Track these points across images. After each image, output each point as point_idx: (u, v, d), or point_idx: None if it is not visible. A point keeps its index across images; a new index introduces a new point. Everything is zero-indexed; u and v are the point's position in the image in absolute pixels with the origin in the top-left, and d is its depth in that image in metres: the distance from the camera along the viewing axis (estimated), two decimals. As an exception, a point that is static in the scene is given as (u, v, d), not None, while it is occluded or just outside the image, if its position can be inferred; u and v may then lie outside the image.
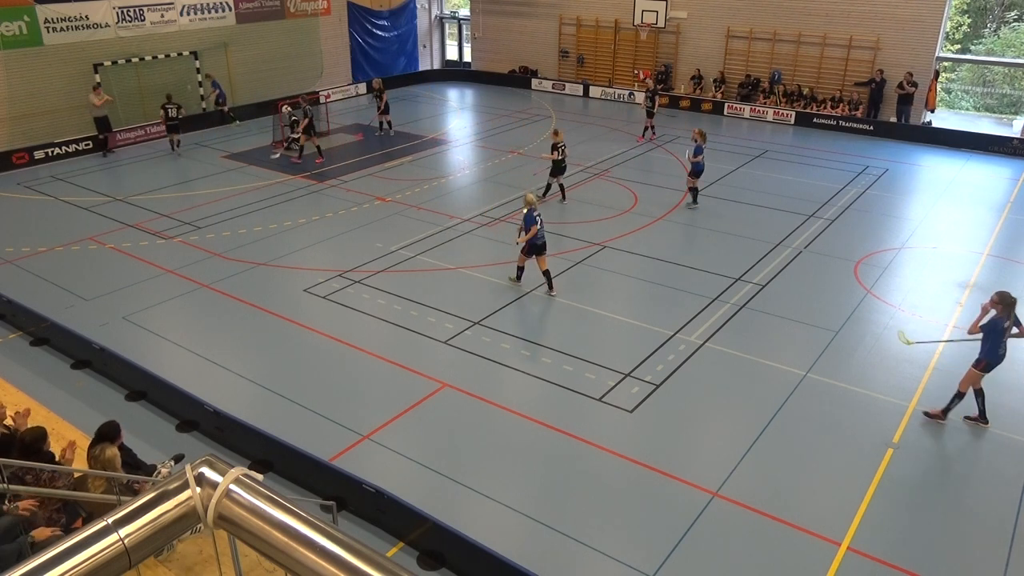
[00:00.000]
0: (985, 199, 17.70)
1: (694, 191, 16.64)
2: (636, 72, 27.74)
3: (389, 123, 22.66)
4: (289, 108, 21.07)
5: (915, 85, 22.44)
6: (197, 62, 23.63)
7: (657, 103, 21.83)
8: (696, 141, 16.13)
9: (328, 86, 27.36)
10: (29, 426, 6.81)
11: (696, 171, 16.37)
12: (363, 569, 2.52)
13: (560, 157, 16.28)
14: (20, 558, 5.00)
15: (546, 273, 12.49)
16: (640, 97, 25.54)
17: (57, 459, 6.64)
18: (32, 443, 6.42)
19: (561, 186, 16.80)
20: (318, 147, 20.06)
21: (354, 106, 26.88)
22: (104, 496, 5.99)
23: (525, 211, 12.16)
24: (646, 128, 21.99)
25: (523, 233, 12.17)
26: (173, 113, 20.60)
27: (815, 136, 22.94)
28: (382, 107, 22.30)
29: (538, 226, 12.03)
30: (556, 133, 16.49)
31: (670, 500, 8.13)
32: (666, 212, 16.42)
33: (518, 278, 12.81)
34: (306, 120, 19.79)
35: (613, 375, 10.30)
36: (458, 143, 22.47)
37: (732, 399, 10.00)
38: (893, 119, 23.03)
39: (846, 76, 23.96)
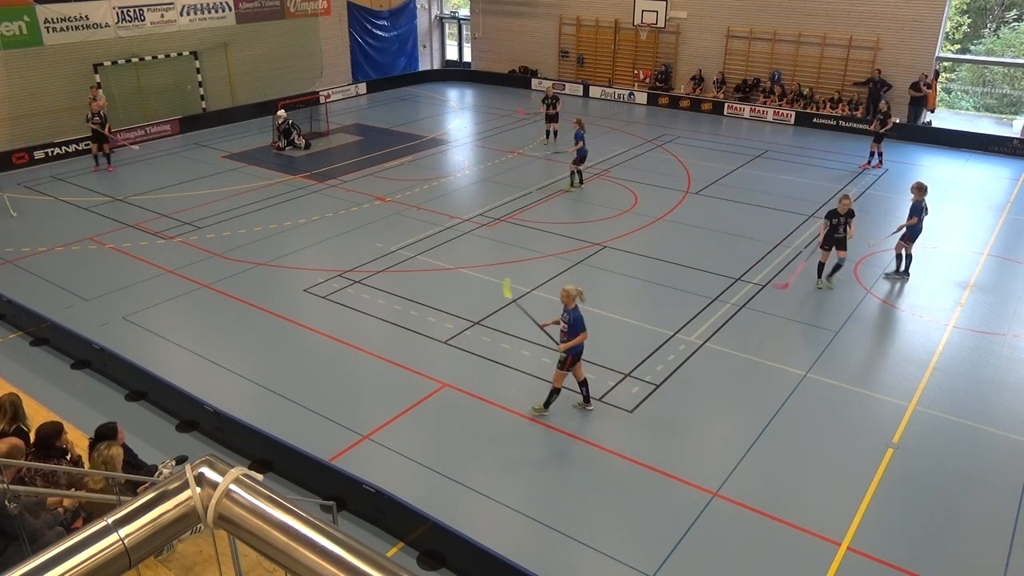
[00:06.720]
0: (985, 199, 17.70)
1: (908, 257, 13.29)
2: (636, 72, 27.75)
3: (555, 131, 21.51)
4: (284, 112, 21.36)
5: (929, 86, 22.36)
6: (197, 62, 23.64)
7: (888, 126, 19.07)
8: (913, 197, 12.97)
9: (328, 86, 27.36)
10: (46, 420, 6.84)
11: (913, 234, 13.00)
12: (363, 569, 2.52)
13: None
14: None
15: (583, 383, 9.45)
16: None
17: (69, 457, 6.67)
18: (47, 437, 6.45)
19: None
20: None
21: (354, 106, 26.87)
22: (104, 496, 5.99)
23: (570, 307, 8.87)
24: (873, 154, 19.50)
25: (567, 338, 8.85)
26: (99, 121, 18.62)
27: (815, 136, 22.93)
28: (552, 114, 21.24)
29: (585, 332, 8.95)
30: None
31: (670, 500, 8.13)
32: (666, 212, 16.42)
33: (546, 405, 9.42)
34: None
35: (613, 375, 10.30)
36: (458, 143, 22.46)
37: (732, 399, 10.00)
38: (897, 120, 22.98)
39: (846, 76, 23.95)
